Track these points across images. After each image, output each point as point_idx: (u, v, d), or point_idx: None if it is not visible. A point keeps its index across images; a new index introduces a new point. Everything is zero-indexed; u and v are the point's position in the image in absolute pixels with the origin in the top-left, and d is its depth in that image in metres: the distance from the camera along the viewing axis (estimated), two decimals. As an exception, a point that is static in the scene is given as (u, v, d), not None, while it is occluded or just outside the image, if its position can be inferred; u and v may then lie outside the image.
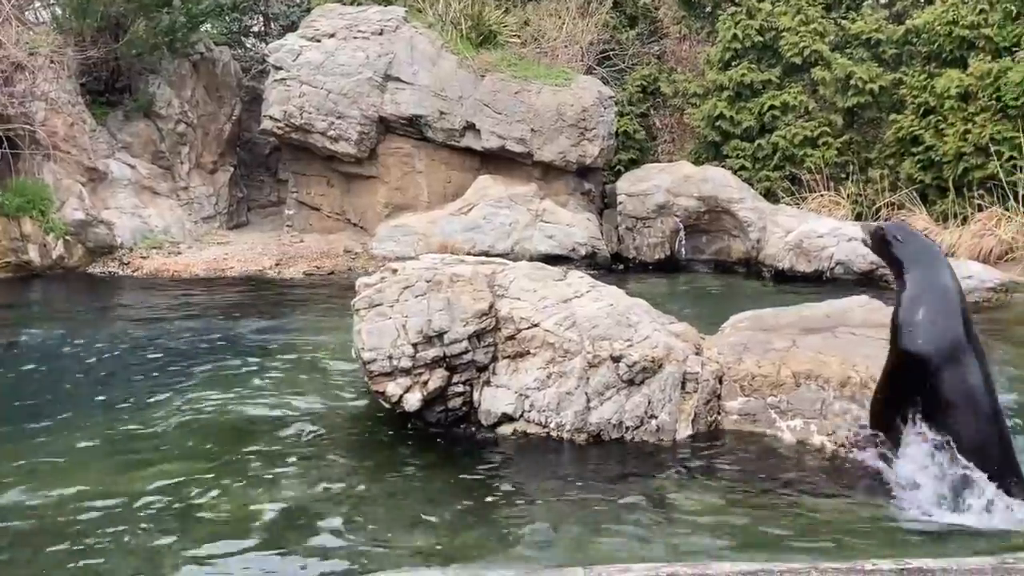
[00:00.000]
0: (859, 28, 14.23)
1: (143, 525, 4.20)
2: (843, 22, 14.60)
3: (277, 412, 5.88)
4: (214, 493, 4.56)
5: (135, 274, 11.68)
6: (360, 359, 5.52)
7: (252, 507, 4.40)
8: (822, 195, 13.87)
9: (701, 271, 12.53)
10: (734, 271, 12.39)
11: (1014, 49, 12.65)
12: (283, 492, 4.60)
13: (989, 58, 12.71)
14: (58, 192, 11.83)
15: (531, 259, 10.07)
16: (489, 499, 4.58)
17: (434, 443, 5.39)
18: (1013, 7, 12.66)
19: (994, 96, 12.40)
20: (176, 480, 4.72)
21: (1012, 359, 7.21)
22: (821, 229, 11.53)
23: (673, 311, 6.24)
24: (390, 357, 5.40)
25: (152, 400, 6.18)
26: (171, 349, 7.71)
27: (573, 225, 12.51)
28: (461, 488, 4.72)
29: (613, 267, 12.59)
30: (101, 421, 5.77)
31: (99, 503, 4.47)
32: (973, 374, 4.24)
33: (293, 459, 5.06)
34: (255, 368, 7.03)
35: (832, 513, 4.37)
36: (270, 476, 4.80)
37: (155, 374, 6.92)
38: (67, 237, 11.65)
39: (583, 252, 12.32)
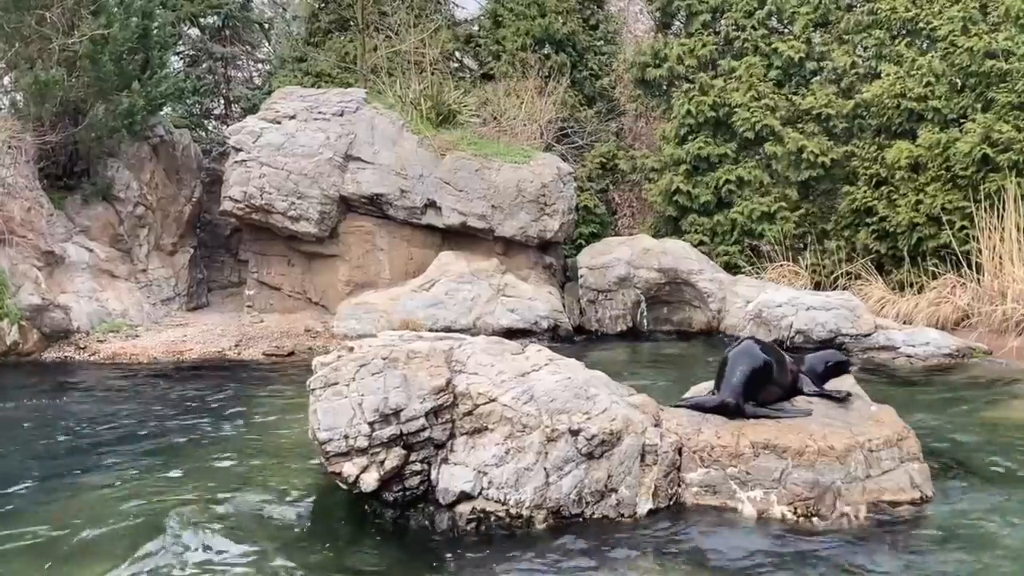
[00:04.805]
0: (810, 103, 14.59)
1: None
2: (794, 97, 14.95)
3: (231, 497, 5.73)
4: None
5: (92, 358, 11.46)
6: (316, 439, 5.41)
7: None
8: (782, 265, 14.04)
9: (663, 341, 12.55)
10: (695, 341, 12.42)
11: (961, 120, 13.00)
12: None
13: (937, 129, 13.04)
14: (14, 277, 11.66)
15: (494, 333, 10.04)
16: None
17: (391, 525, 5.27)
18: (958, 79, 13.05)
19: (944, 166, 12.69)
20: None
21: (963, 419, 7.32)
22: (780, 299, 11.63)
23: (634, 382, 6.20)
24: (346, 437, 5.31)
25: (98, 490, 6.00)
26: (122, 436, 7.52)
27: (535, 299, 12.52)
28: None
29: (576, 339, 12.58)
30: (42, 512, 5.59)
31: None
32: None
33: (247, 546, 4.92)
34: (209, 453, 6.88)
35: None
36: (224, 563, 4.66)
37: (104, 462, 6.73)
38: (22, 323, 11.44)
39: (546, 325, 12.31)
